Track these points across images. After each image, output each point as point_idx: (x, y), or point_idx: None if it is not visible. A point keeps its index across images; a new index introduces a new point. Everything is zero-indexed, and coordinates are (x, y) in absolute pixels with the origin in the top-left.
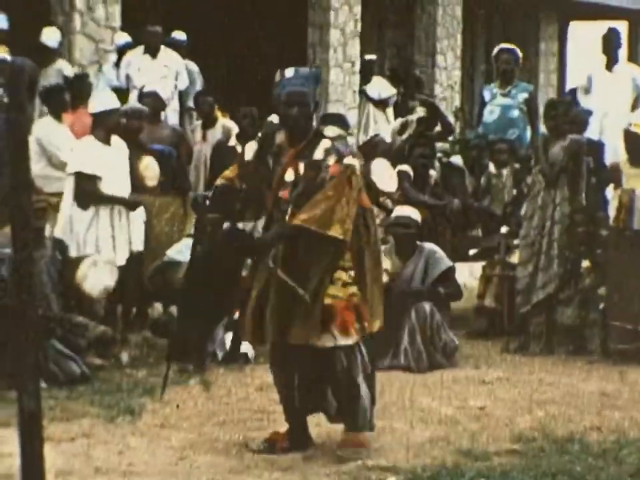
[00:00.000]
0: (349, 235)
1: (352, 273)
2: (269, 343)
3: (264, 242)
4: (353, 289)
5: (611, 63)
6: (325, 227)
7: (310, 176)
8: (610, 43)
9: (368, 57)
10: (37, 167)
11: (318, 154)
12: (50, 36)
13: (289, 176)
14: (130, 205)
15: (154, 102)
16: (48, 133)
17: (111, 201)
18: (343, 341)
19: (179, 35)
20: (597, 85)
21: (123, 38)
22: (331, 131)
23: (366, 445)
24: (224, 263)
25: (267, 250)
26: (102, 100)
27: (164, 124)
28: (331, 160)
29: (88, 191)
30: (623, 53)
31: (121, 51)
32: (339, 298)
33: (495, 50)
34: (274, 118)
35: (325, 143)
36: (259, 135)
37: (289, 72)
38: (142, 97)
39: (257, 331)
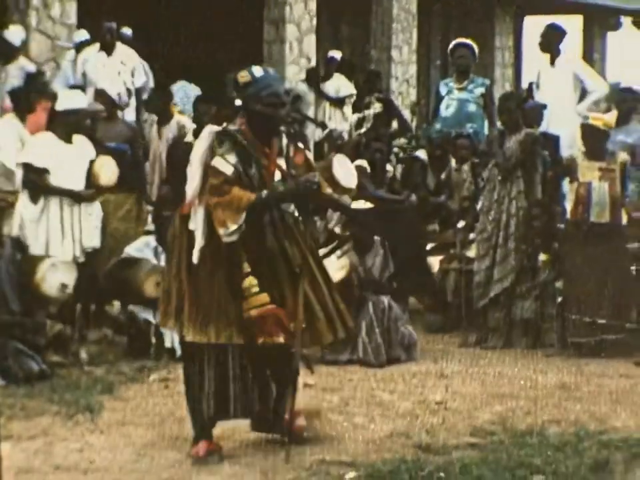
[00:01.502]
0: None
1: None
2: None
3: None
4: None
5: (554, 58)
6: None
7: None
8: (547, 41)
9: (331, 53)
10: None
11: (283, 144)
12: (14, 33)
13: (277, 176)
14: (77, 197)
15: (105, 100)
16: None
17: (59, 192)
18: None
19: (125, 30)
20: (542, 80)
21: (81, 35)
22: None
23: None
24: None
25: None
26: (69, 98)
27: (119, 121)
28: (292, 152)
29: (35, 183)
30: (571, 47)
31: (79, 48)
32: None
33: (451, 44)
34: None
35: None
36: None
37: (259, 71)
38: (96, 95)
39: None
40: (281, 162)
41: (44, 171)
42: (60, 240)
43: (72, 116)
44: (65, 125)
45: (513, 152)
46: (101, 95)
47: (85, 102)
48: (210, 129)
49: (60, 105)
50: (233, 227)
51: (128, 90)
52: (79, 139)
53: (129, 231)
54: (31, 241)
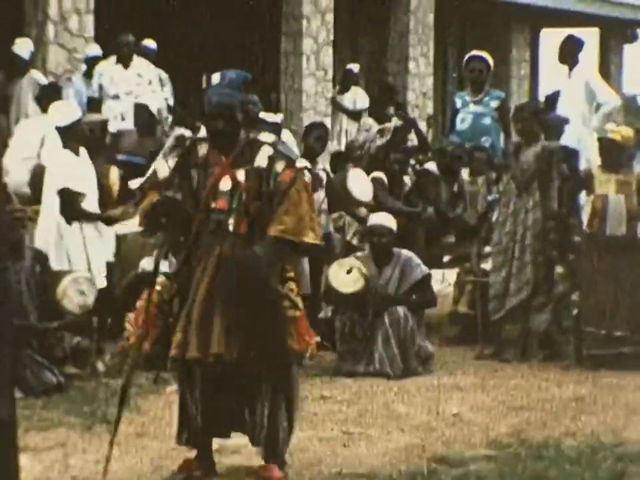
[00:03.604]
0: (319, 238)
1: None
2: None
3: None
4: (299, 300)
5: (571, 69)
6: (297, 234)
7: (254, 184)
8: (564, 52)
9: (349, 66)
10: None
11: (260, 161)
12: (22, 47)
13: (225, 185)
14: (108, 222)
15: (143, 114)
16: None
17: (91, 217)
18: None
19: (149, 43)
20: (561, 93)
21: (93, 49)
22: (267, 136)
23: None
24: None
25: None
26: (64, 112)
27: (157, 137)
28: (280, 166)
29: (73, 208)
30: (587, 59)
31: (90, 62)
32: (298, 308)
33: (466, 57)
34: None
35: (266, 150)
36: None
37: (215, 78)
38: (135, 109)
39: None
40: (239, 172)
41: (80, 195)
42: (81, 255)
43: (78, 127)
44: (71, 139)
45: (530, 165)
46: (140, 109)
47: (79, 113)
48: (174, 134)
49: (63, 120)
50: (142, 228)
51: (168, 106)
52: (81, 152)
53: (145, 245)
54: (52, 255)
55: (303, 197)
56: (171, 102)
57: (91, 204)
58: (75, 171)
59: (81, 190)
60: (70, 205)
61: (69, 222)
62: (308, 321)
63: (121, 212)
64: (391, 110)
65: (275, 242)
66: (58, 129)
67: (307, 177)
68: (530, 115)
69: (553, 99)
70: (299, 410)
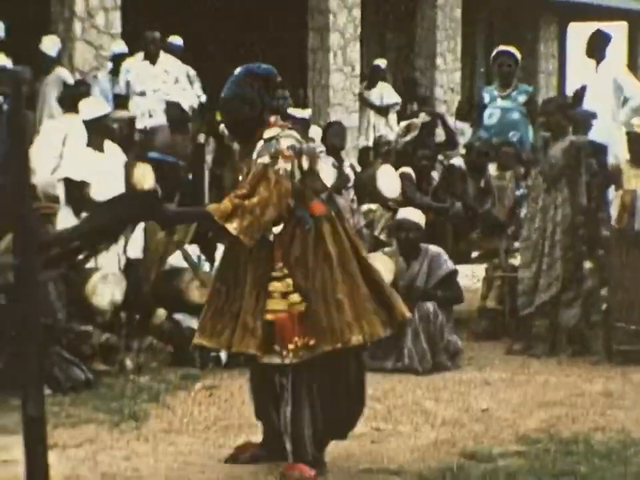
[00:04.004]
0: (247, 235)
1: (289, 280)
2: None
3: (167, 214)
4: (294, 297)
5: (598, 64)
6: (224, 218)
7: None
8: (592, 46)
9: (376, 62)
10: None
11: (255, 154)
12: (49, 44)
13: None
14: None
15: (175, 111)
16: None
17: None
18: (285, 359)
19: (176, 40)
20: (588, 87)
21: (118, 46)
22: (272, 132)
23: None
24: None
25: (168, 223)
26: (91, 106)
27: (188, 135)
28: (261, 159)
29: (77, 197)
30: (615, 53)
31: (116, 59)
32: (279, 311)
33: (494, 52)
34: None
35: (258, 145)
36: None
37: (236, 71)
38: (167, 106)
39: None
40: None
41: (84, 184)
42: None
43: (102, 123)
44: (95, 133)
45: (557, 160)
46: (172, 106)
47: (107, 108)
48: None
49: (85, 115)
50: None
51: (200, 103)
52: (109, 146)
53: (171, 242)
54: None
55: (252, 187)
56: (203, 99)
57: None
58: (97, 168)
59: (85, 179)
60: (76, 195)
61: (77, 213)
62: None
63: None
64: (415, 105)
65: (205, 216)
66: (84, 122)
67: (282, 170)
68: (556, 109)
69: (580, 93)
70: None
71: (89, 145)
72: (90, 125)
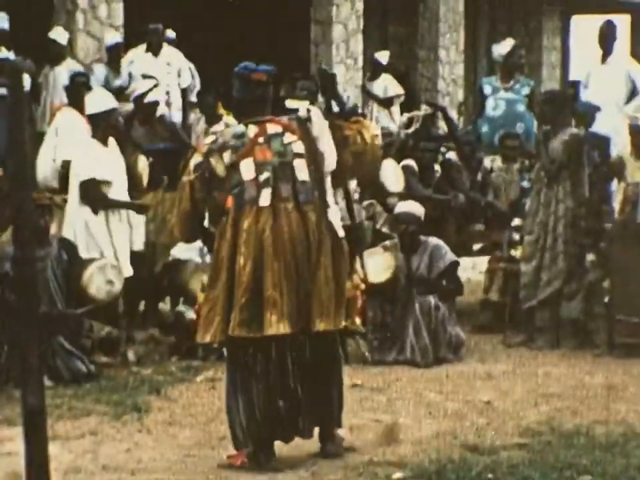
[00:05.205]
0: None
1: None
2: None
3: None
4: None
5: (606, 56)
6: None
7: None
8: (605, 36)
9: (379, 54)
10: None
11: None
12: (60, 32)
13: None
14: (138, 209)
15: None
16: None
17: (120, 205)
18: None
19: (169, 34)
20: (592, 79)
21: (114, 37)
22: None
23: None
24: None
25: None
26: (98, 100)
27: (160, 121)
28: None
29: (99, 197)
30: (620, 46)
31: (111, 50)
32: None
33: (509, 46)
34: None
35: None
36: None
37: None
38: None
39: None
40: None
41: (106, 184)
42: (107, 243)
43: (109, 118)
44: (103, 128)
45: (558, 154)
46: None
47: (114, 102)
48: None
49: (94, 108)
50: None
51: (182, 90)
52: (110, 141)
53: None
54: (81, 245)
55: None
56: (184, 86)
57: (120, 192)
58: (103, 160)
59: (108, 179)
60: (96, 194)
61: (95, 211)
62: None
63: (151, 199)
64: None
65: None
66: (89, 116)
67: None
68: (556, 101)
69: (574, 87)
70: None
71: (94, 137)
72: (95, 118)
